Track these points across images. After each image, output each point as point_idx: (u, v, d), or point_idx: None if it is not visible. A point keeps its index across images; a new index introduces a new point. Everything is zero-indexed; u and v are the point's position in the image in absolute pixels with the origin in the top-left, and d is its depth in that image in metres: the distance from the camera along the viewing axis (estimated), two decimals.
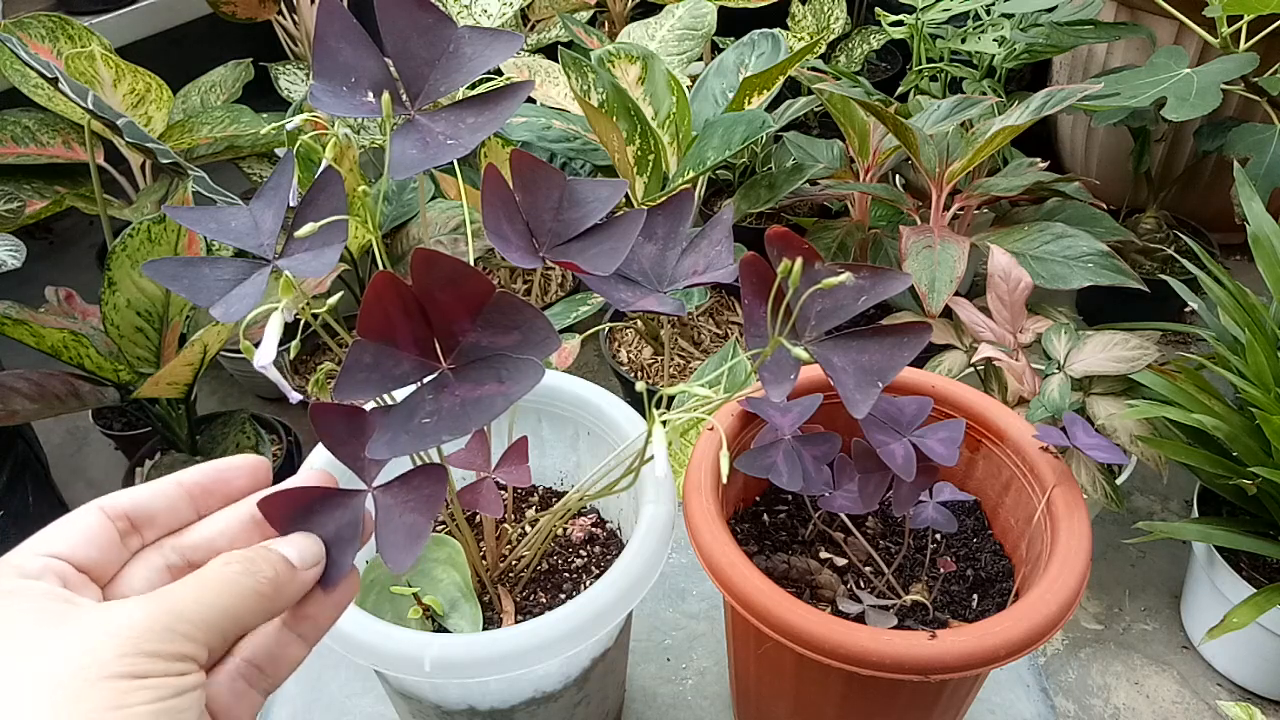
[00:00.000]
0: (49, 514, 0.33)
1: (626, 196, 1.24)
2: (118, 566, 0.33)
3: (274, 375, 0.34)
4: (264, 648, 0.33)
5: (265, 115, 1.52)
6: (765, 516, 0.59)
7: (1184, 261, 1.26)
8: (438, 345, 0.37)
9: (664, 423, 0.43)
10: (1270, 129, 1.34)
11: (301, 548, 0.34)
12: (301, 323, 0.40)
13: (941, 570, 0.55)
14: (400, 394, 0.37)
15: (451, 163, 0.40)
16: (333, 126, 0.46)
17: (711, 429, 0.56)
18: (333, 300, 0.40)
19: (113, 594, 0.33)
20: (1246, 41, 1.32)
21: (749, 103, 1.26)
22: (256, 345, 0.37)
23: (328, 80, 0.39)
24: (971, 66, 1.65)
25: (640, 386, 0.43)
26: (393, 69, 0.40)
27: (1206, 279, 1.15)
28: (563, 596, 0.56)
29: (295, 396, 0.37)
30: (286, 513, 0.34)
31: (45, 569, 0.31)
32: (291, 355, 0.44)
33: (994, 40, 1.54)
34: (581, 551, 0.59)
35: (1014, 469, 0.55)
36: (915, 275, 1.15)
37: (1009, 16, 1.54)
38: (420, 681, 0.50)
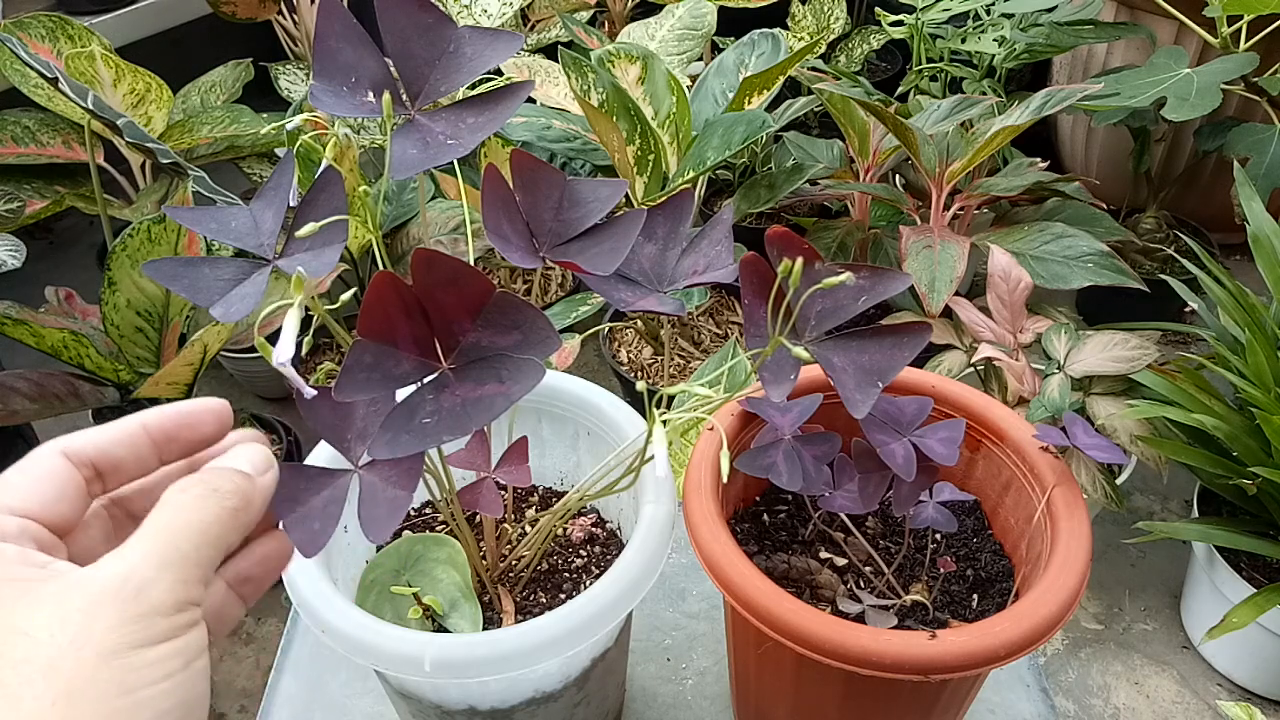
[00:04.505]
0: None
1: (626, 196, 1.24)
2: (79, 520, 0.31)
3: (289, 372, 0.34)
4: (210, 606, 0.31)
5: (265, 115, 1.52)
6: (765, 516, 0.59)
7: (1184, 261, 1.26)
8: (438, 345, 0.37)
9: (664, 422, 0.43)
10: (1270, 129, 1.34)
11: (249, 457, 0.32)
12: (314, 319, 0.40)
13: (941, 570, 0.55)
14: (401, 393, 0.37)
15: (451, 163, 0.40)
16: (333, 126, 0.46)
17: (711, 429, 0.56)
18: (345, 296, 0.40)
19: (73, 551, 0.30)
20: (1246, 41, 1.32)
21: (749, 103, 1.26)
22: (272, 341, 0.36)
23: (328, 80, 0.39)
24: (971, 66, 1.65)
25: (640, 386, 0.43)
26: (393, 69, 0.40)
27: (1206, 279, 1.15)
28: (563, 596, 0.56)
29: (310, 392, 0.36)
30: (277, 496, 0.34)
31: (22, 531, 0.28)
32: (304, 351, 0.44)
33: (994, 40, 1.54)
34: (581, 551, 0.59)
35: (1014, 469, 0.55)
36: (915, 275, 1.15)
37: (1009, 16, 1.54)
38: (420, 681, 0.50)
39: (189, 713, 0.26)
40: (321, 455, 0.53)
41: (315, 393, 0.37)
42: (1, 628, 0.25)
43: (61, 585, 0.26)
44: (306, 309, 0.37)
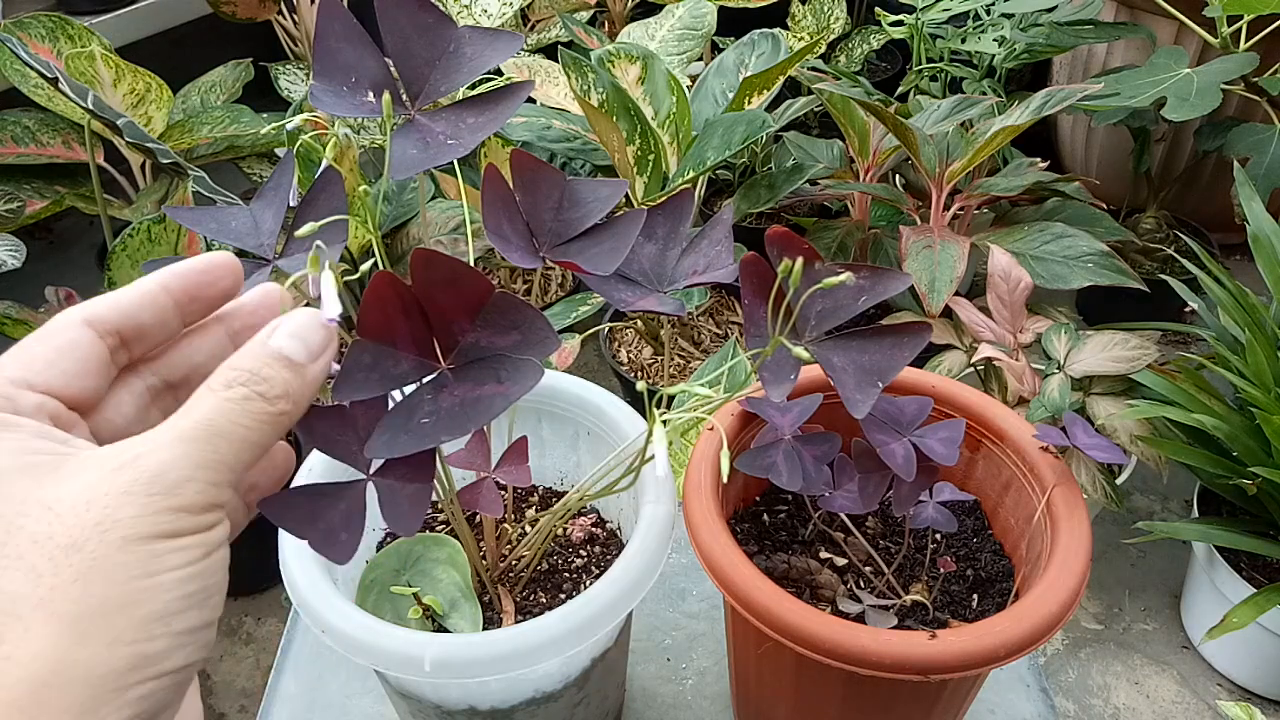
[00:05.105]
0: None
1: (626, 196, 1.24)
2: (104, 393, 0.30)
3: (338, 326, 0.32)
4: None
5: (265, 115, 1.52)
6: (765, 516, 0.59)
7: (1184, 261, 1.26)
8: (437, 345, 0.37)
9: (664, 422, 0.43)
10: (1270, 129, 1.34)
11: (303, 336, 0.30)
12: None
13: (941, 570, 0.55)
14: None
15: (451, 163, 0.40)
16: (333, 126, 0.46)
17: (711, 429, 0.56)
18: (365, 266, 0.40)
19: (99, 427, 0.30)
20: (1246, 41, 1.32)
21: (749, 103, 1.26)
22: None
23: (328, 80, 0.39)
24: (971, 66, 1.65)
25: (640, 386, 0.43)
26: (393, 69, 0.40)
27: (1206, 279, 1.15)
28: (563, 596, 0.56)
29: (335, 311, 0.35)
30: (296, 517, 0.34)
31: (39, 408, 0.27)
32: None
33: (994, 40, 1.54)
34: (581, 551, 0.59)
35: (1014, 469, 0.55)
36: (915, 275, 1.15)
37: (1009, 16, 1.54)
38: (420, 681, 0.50)
39: (208, 597, 0.26)
40: (316, 467, 0.52)
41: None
42: (26, 501, 0.25)
43: (87, 465, 0.25)
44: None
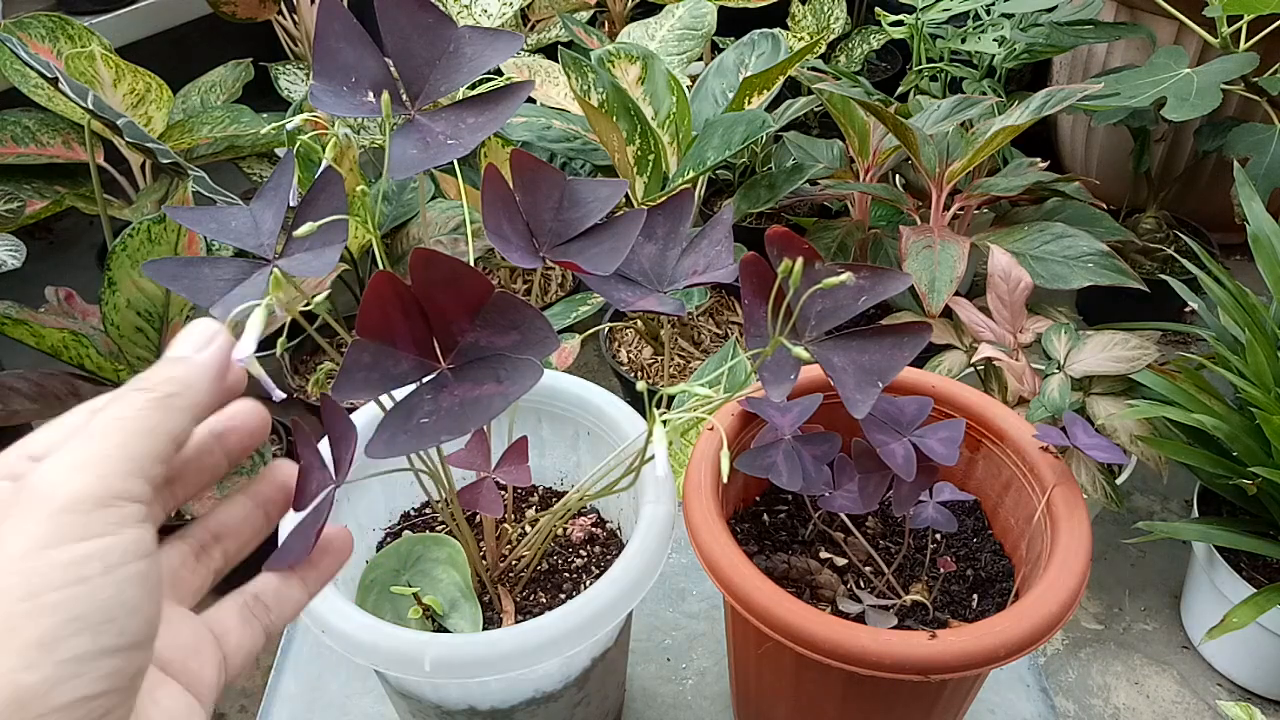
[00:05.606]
0: None
1: (626, 196, 1.24)
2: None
3: (256, 370, 0.33)
4: (271, 585, 0.33)
5: (265, 115, 1.52)
6: (765, 516, 0.59)
7: (1184, 261, 1.26)
8: (436, 345, 0.37)
9: (664, 422, 0.43)
10: (1270, 129, 1.34)
11: (185, 337, 0.30)
12: (315, 320, 0.40)
13: (941, 570, 0.55)
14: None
15: (451, 163, 0.40)
16: (333, 126, 0.46)
17: (711, 429, 0.56)
18: (319, 298, 0.40)
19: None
20: (1246, 41, 1.32)
21: (749, 103, 1.26)
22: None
23: (328, 80, 0.39)
24: (971, 66, 1.65)
25: (640, 386, 0.43)
26: (393, 69, 0.40)
27: (1206, 279, 1.15)
28: (563, 596, 0.56)
29: (279, 394, 0.36)
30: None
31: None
32: (278, 352, 0.43)
33: (994, 40, 1.54)
34: (581, 551, 0.59)
35: (1014, 469, 0.55)
36: (915, 275, 1.15)
37: (1009, 16, 1.54)
38: (420, 681, 0.50)
39: (105, 621, 0.23)
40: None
41: (283, 395, 0.36)
42: None
43: (17, 491, 0.25)
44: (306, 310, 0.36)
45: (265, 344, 0.33)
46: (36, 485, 0.24)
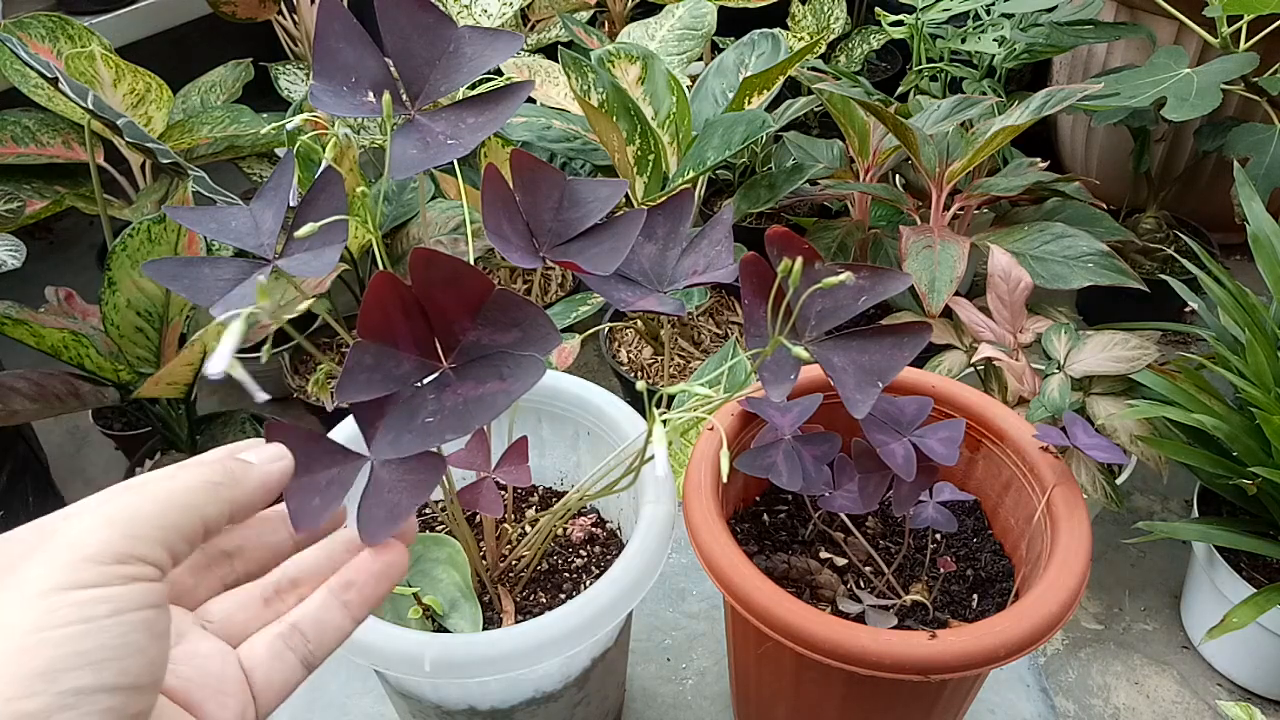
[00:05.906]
0: (48, 514, 0.31)
1: (626, 196, 1.24)
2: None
3: (238, 373, 0.33)
4: (309, 613, 0.32)
5: (265, 115, 1.52)
6: (765, 516, 0.59)
7: (1184, 261, 1.26)
8: (438, 345, 0.37)
9: (664, 422, 0.43)
10: (1270, 129, 1.34)
11: (257, 450, 0.32)
12: (309, 326, 0.40)
13: (941, 570, 0.55)
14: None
15: (451, 163, 0.40)
16: (333, 126, 0.46)
17: (711, 429, 0.56)
18: (302, 306, 0.39)
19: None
20: (1246, 41, 1.32)
21: (749, 103, 1.26)
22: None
23: (328, 80, 0.39)
24: (971, 66, 1.65)
25: (640, 386, 0.43)
26: (393, 69, 0.40)
27: (1206, 279, 1.15)
28: (563, 596, 0.56)
29: (262, 396, 0.36)
30: (292, 445, 0.34)
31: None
32: (264, 360, 0.43)
33: (994, 40, 1.54)
34: (581, 551, 0.59)
35: (1014, 469, 0.55)
36: (915, 275, 1.15)
37: (1009, 16, 1.54)
38: (420, 681, 0.50)
39: (110, 659, 0.24)
40: (344, 432, 0.52)
41: (266, 396, 0.36)
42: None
43: (48, 538, 0.26)
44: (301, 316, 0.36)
45: (276, 341, 0.33)
46: (68, 531, 0.26)
